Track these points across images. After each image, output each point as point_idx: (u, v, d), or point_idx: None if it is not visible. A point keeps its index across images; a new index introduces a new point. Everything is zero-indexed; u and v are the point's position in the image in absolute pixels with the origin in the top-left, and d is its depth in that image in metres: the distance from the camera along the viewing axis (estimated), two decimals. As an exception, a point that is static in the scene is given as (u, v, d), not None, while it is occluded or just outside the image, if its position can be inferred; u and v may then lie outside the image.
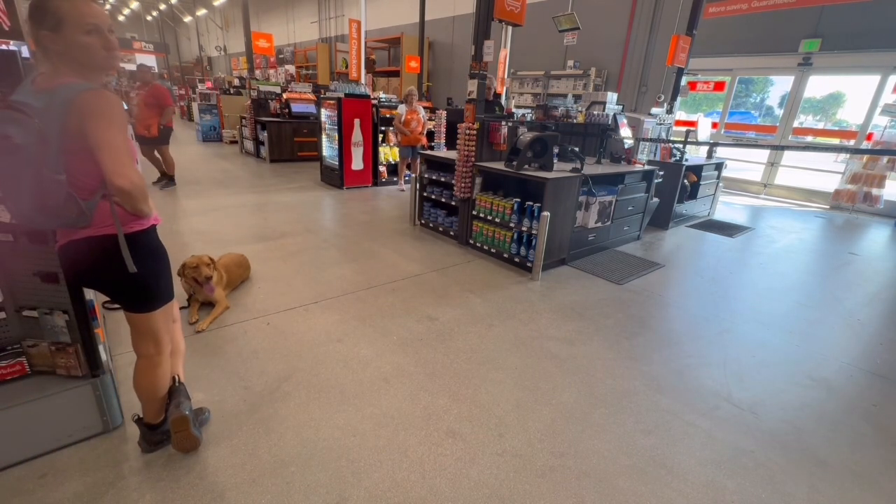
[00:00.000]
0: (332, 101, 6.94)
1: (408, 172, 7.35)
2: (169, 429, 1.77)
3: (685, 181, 5.66)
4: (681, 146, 5.74)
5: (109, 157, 1.24)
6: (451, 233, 4.78)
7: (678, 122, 7.51)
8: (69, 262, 1.46)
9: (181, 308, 2.88)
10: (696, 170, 5.86)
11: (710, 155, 6.18)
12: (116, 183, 1.25)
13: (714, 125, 8.67)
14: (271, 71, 17.21)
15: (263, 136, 9.14)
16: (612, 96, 5.33)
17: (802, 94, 7.97)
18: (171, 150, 6.46)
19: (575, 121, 5.34)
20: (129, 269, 1.40)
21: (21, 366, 1.72)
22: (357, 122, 6.86)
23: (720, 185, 6.65)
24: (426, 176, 5.07)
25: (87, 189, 1.33)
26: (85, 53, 1.28)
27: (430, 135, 7.45)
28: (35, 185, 1.22)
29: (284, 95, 9.85)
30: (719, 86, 8.95)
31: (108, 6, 26.81)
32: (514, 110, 5.45)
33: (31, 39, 1.25)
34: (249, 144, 10.11)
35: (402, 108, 6.75)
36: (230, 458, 1.78)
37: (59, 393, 1.71)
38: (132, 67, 22.42)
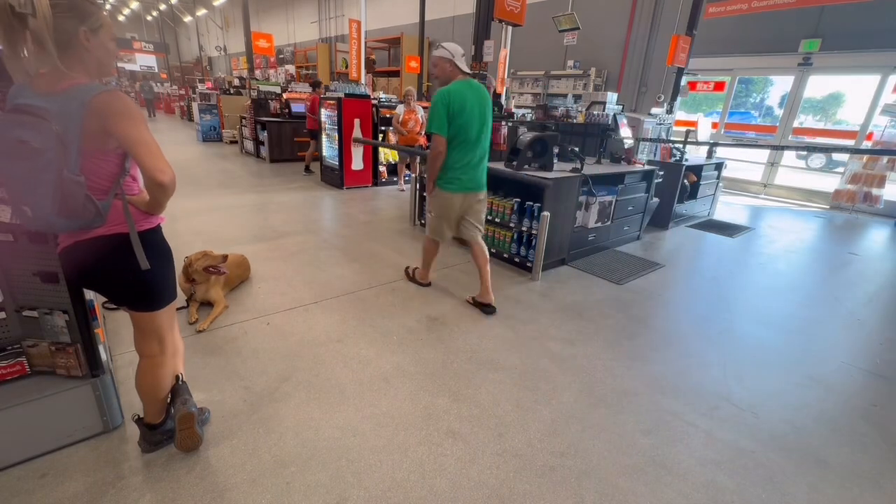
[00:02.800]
0: (332, 102, 6.94)
1: (408, 172, 7.36)
2: (169, 429, 1.77)
3: (685, 181, 5.66)
4: (681, 146, 5.74)
5: (148, 154, 1.29)
6: (451, 233, 4.78)
7: (678, 122, 7.51)
8: (75, 262, 1.46)
9: (180, 308, 2.88)
10: (696, 170, 5.86)
11: (710, 155, 6.18)
12: (157, 178, 1.29)
13: (714, 125, 8.67)
14: (271, 71, 17.22)
15: (263, 136, 9.14)
16: (612, 96, 5.34)
17: (802, 94, 7.97)
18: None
19: (575, 121, 5.35)
20: (142, 266, 1.42)
21: (21, 366, 1.72)
22: (357, 122, 6.86)
23: (720, 185, 6.65)
24: (426, 176, 5.06)
25: (101, 189, 1.35)
26: (108, 57, 1.37)
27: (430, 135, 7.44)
28: (56, 189, 1.22)
29: (284, 95, 9.85)
30: (719, 86, 8.95)
31: (108, 6, 26.84)
32: (514, 110, 5.46)
33: (50, 32, 1.20)
34: (249, 144, 10.11)
35: (400, 108, 6.75)
36: (230, 458, 1.78)
37: (59, 393, 1.71)
38: (134, 67, 22.50)
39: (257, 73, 15.10)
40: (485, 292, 3.14)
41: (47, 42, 1.20)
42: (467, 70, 2.88)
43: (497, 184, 4.26)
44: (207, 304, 2.95)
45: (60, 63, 1.24)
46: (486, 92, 2.97)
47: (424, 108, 6.99)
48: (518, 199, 3.90)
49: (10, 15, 1.17)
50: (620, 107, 5.46)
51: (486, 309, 3.13)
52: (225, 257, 2.94)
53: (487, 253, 3.18)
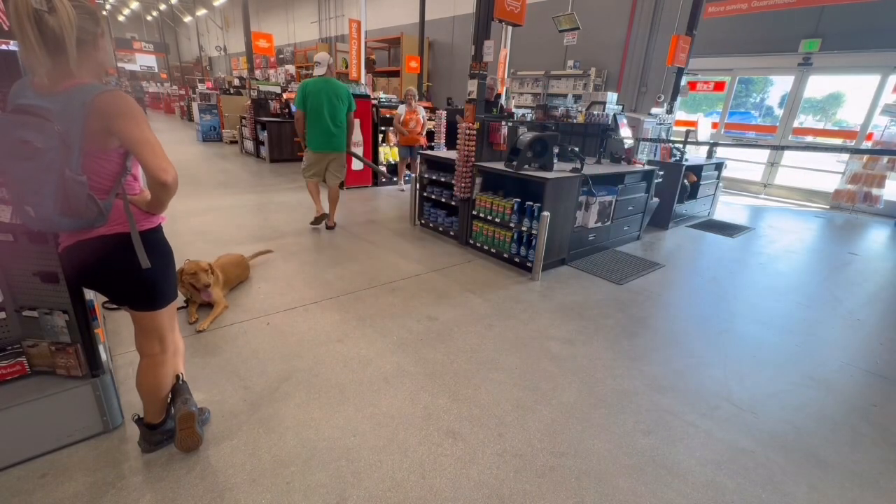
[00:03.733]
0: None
1: (408, 172, 7.35)
2: (169, 428, 1.78)
3: (685, 181, 5.66)
4: (681, 146, 5.74)
5: (151, 154, 1.30)
6: (451, 233, 4.78)
7: (678, 122, 7.51)
8: (77, 261, 1.46)
9: (180, 308, 2.88)
10: (696, 170, 5.86)
11: (710, 155, 6.18)
12: (160, 177, 1.31)
13: (714, 125, 8.67)
14: (271, 71, 17.19)
15: (263, 136, 9.14)
16: (612, 96, 5.33)
17: (802, 94, 7.97)
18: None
19: (575, 121, 5.34)
20: (143, 265, 1.43)
21: (21, 366, 1.72)
22: (357, 122, 6.86)
23: (720, 185, 6.65)
24: (426, 176, 5.07)
25: (102, 189, 1.36)
26: (107, 57, 1.41)
27: (430, 135, 7.45)
28: (59, 189, 1.22)
29: (284, 95, 9.85)
30: (719, 86, 8.95)
31: (108, 6, 26.84)
32: (513, 110, 5.45)
33: (72, 33, 1.19)
34: (249, 144, 10.11)
35: (401, 109, 6.75)
36: (230, 458, 1.78)
37: (59, 393, 1.71)
38: (134, 67, 22.52)
39: (257, 73, 15.10)
40: (332, 215, 4.85)
41: (68, 42, 1.20)
42: (320, 73, 4.38)
43: (497, 184, 4.26)
44: (207, 305, 2.94)
45: (76, 63, 1.24)
46: (339, 87, 4.41)
47: (426, 108, 6.98)
48: (518, 199, 3.90)
49: (31, 14, 1.14)
50: (620, 107, 5.45)
51: (328, 223, 4.85)
52: (207, 285, 2.81)
53: (339, 196, 4.89)
